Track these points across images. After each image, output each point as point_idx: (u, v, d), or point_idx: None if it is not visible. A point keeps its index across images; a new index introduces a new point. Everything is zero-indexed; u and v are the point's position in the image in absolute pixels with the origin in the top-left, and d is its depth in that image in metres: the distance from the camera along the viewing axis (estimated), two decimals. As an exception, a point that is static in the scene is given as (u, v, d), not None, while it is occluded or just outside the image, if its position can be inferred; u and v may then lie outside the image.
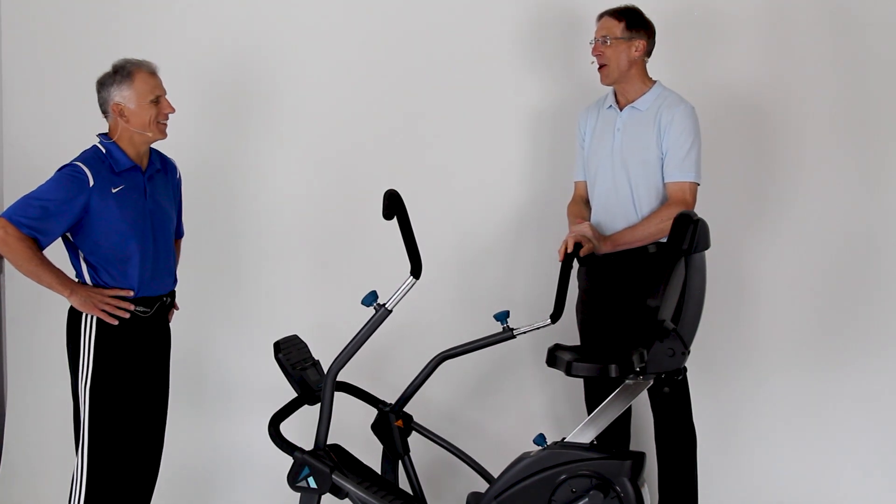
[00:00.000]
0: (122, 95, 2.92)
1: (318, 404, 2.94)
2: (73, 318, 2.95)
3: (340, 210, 4.00)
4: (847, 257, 3.83)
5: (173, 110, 2.99)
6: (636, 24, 3.25)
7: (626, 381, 2.71)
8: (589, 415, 3.12)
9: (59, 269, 2.90)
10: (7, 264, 4.05)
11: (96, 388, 2.91)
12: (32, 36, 4.04)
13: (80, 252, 2.92)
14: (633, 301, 3.05)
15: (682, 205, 3.13)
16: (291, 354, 3.08)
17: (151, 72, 2.97)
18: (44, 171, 3.92)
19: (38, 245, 2.86)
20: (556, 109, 3.89)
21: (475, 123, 3.95)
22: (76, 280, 2.95)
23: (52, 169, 3.88)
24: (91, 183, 2.85)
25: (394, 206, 2.82)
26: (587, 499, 2.65)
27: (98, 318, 2.89)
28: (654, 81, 3.31)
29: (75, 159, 2.92)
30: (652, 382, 2.73)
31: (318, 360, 3.15)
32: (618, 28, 3.24)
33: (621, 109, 3.29)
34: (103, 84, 2.96)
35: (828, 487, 3.78)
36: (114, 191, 2.89)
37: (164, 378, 3.13)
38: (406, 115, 3.97)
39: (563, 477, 2.69)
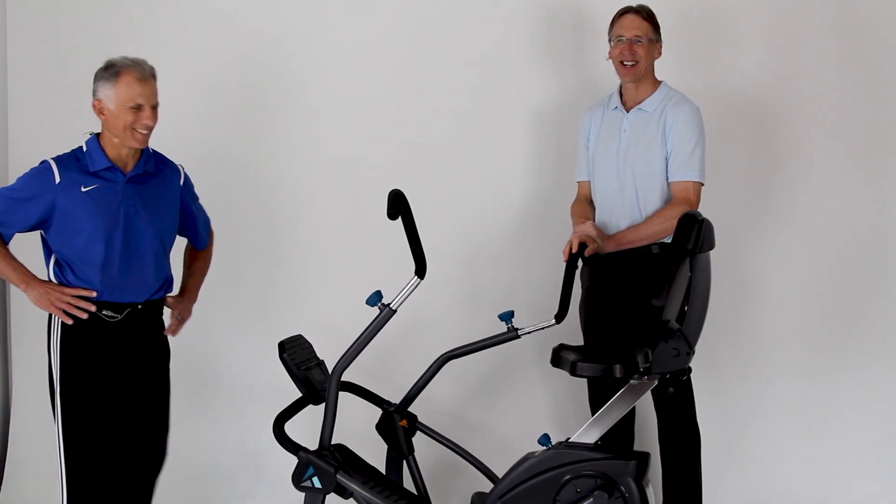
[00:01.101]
0: (104, 93, 2.85)
1: (323, 404, 2.94)
2: (49, 319, 2.91)
3: (345, 210, 4.00)
4: (851, 258, 3.83)
5: (153, 122, 2.87)
6: (657, 25, 3.29)
7: (631, 382, 2.71)
8: (593, 415, 3.12)
9: (19, 263, 2.89)
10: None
11: (66, 391, 2.84)
12: (39, 36, 4.04)
13: (51, 249, 2.90)
14: (636, 301, 3.06)
15: (686, 204, 3.13)
16: (296, 354, 3.08)
17: (141, 77, 2.85)
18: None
19: (2, 238, 2.87)
20: (560, 109, 3.89)
21: (479, 123, 3.95)
22: (46, 277, 2.90)
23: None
24: (57, 181, 2.81)
25: (398, 205, 2.83)
26: (592, 499, 2.65)
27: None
28: (661, 82, 3.31)
29: (54, 156, 2.90)
30: (657, 383, 2.73)
31: (322, 360, 3.15)
32: (649, 29, 3.25)
33: (628, 111, 3.29)
34: (95, 77, 2.89)
35: (832, 488, 3.77)
36: (83, 190, 2.83)
37: (158, 384, 3.03)
38: (410, 115, 3.97)
39: (568, 477, 2.69)
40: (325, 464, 2.86)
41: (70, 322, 2.84)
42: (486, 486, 3.00)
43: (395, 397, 3.13)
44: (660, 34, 3.29)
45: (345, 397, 3.02)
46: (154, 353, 3.02)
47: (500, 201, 3.95)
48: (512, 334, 2.95)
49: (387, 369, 3.79)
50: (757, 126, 3.85)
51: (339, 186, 4.00)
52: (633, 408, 3.14)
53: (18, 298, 4.07)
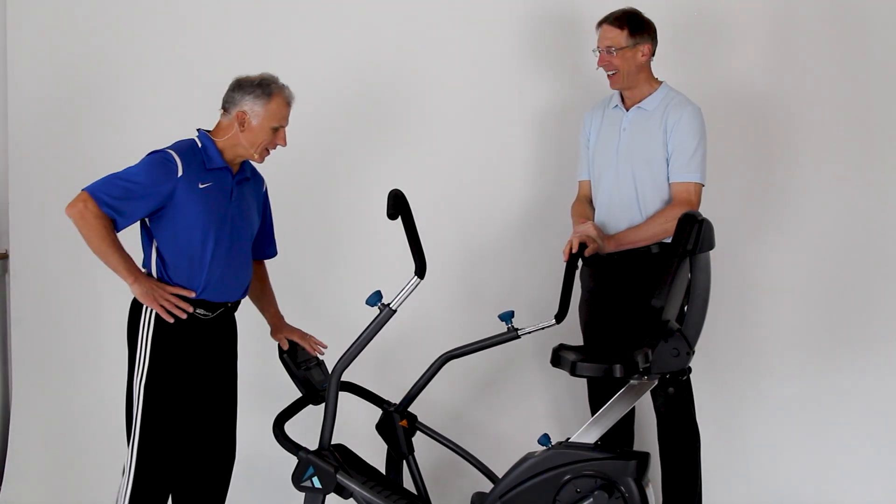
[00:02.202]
0: (252, 108, 2.88)
1: (323, 404, 2.94)
2: (134, 310, 2.89)
3: (345, 209, 4.00)
4: (850, 258, 3.83)
5: (285, 144, 2.96)
6: (638, 28, 3.23)
7: (631, 382, 2.71)
8: (593, 415, 3.12)
9: (128, 256, 2.83)
10: (13, 264, 4.06)
11: (151, 384, 2.85)
12: (38, 33, 4.04)
13: (154, 241, 2.87)
14: (636, 301, 3.06)
15: (686, 205, 3.13)
16: (296, 354, 3.09)
17: (289, 101, 2.94)
18: (49, 172, 3.96)
19: (115, 226, 2.79)
20: (561, 109, 3.89)
21: (480, 123, 3.95)
22: (145, 269, 2.90)
23: (59, 168, 3.93)
24: (180, 173, 2.80)
25: (398, 205, 2.83)
26: (592, 499, 2.65)
27: (157, 314, 2.84)
28: (661, 82, 3.31)
29: (168, 147, 2.88)
30: (656, 383, 2.73)
31: (322, 360, 3.15)
32: (621, 37, 3.21)
33: (627, 110, 3.29)
34: (242, 87, 2.92)
35: (831, 486, 3.77)
36: (201, 186, 2.84)
37: (231, 382, 3.08)
38: (411, 115, 3.97)
39: (568, 477, 2.69)
40: (325, 464, 2.86)
41: (171, 321, 2.84)
42: (486, 486, 3.00)
43: (395, 397, 3.13)
44: (644, 36, 3.22)
45: (345, 397, 3.02)
46: (230, 351, 3.07)
47: (501, 201, 3.95)
48: (512, 334, 2.95)
49: (387, 369, 3.79)
50: (758, 127, 3.85)
51: (338, 186, 4.00)
52: (633, 408, 3.14)
53: (18, 298, 4.07)
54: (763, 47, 3.84)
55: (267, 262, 3.29)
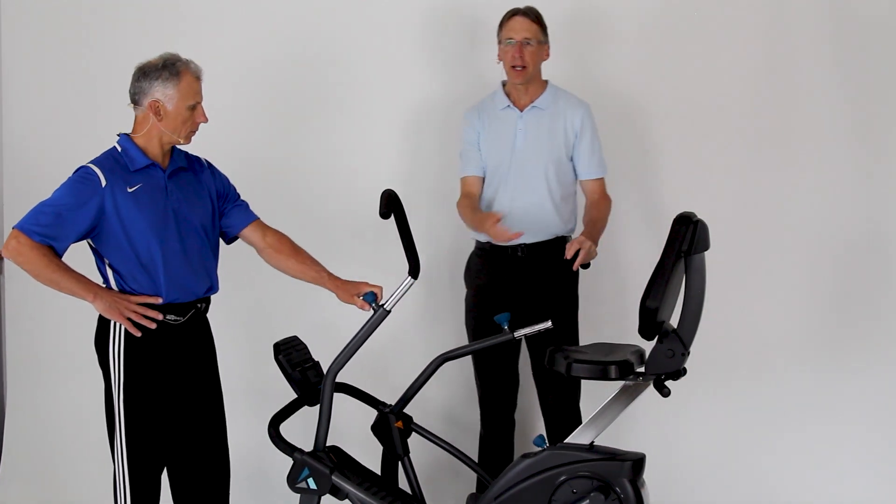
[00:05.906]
0: (163, 93, 2.75)
1: (318, 405, 2.94)
2: (102, 326, 2.81)
3: (338, 210, 3.98)
4: (848, 258, 3.83)
5: (206, 120, 2.83)
6: (545, 27, 3.30)
7: (626, 382, 2.72)
8: (543, 413, 3.16)
9: (80, 274, 2.74)
10: (8, 265, 4.06)
11: (131, 402, 2.77)
12: (33, 35, 4.03)
13: (104, 259, 2.78)
14: (541, 291, 3.17)
15: (606, 199, 3.33)
16: (291, 356, 3.08)
17: (197, 76, 2.81)
18: (44, 172, 3.94)
19: (55, 252, 2.71)
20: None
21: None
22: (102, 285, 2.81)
23: (53, 170, 3.89)
24: (103, 184, 2.71)
25: (391, 205, 2.82)
26: (588, 500, 2.65)
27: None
28: (547, 81, 3.36)
29: (88, 161, 2.80)
30: (651, 384, 2.73)
31: (317, 362, 3.14)
32: (538, 31, 3.25)
33: (521, 110, 3.29)
34: (146, 74, 2.77)
35: (830, 486, 3.78)
36: (129, 190, 2.74)
37: (212, 387, 2.99)
38: (402, 114, 3.96)
39: (564, 478, 2.69)
40: (320, 465, 2.86)
41: (139, 334, 2.75)
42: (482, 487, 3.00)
43: (391, 398, 3.13)
44: (547, 36, 3.29)
45: (340, 399, 3.02)
46: (208, 355, 3.00)
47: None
48: (508, 336, 2.95)
49: (382, 371, 3.78)
50: (755, 127, 3.85)
51: (332, 186, 3.99)
52: (578, 397, 3.26)
53: (13, 298, 4.07)
54: (757, 41, 3.81)
55: (263, 263, 3.23)
